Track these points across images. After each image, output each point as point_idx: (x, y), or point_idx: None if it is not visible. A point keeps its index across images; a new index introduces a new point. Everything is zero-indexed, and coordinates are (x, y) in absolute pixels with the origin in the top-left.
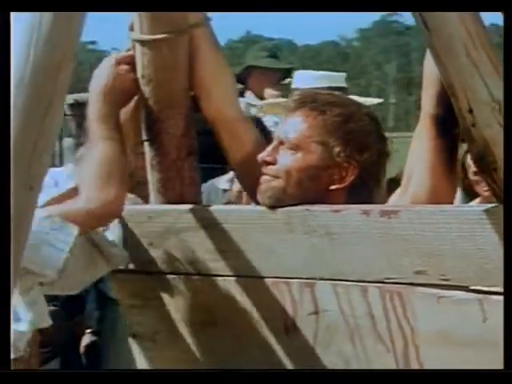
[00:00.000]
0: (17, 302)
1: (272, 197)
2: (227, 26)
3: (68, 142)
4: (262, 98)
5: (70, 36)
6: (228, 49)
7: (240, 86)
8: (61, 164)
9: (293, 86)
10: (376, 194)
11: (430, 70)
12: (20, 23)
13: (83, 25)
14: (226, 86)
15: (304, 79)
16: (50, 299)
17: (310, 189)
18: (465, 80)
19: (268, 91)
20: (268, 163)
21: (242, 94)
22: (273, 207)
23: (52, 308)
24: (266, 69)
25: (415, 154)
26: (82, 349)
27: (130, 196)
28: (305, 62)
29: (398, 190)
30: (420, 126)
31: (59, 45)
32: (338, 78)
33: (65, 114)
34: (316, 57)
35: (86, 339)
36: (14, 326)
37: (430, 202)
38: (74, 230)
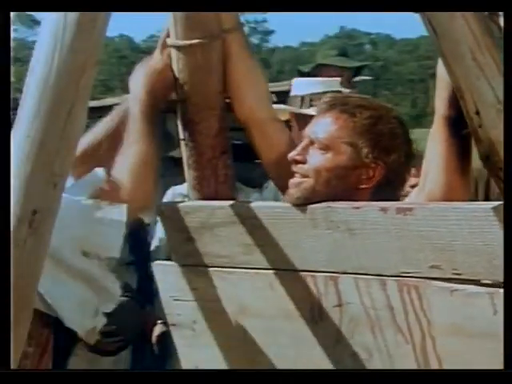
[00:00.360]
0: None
1: (301, 195)
2: (322, 21)
3: None
4: None
5: (92, 42)
6: (323, 44)
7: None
8: None
9: (291, 93)
10: (400, 193)
11: (442, 73)
12: (45, 29)
13: (105, 32)
14: (257, 88)
15: (301, 86)
16: (122, 290)
17: (338, 188)
18: (471, 83)
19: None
20: (298, 162)
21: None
22: (301, 204)
23: (123, 298)
24: (336, 67)
25: (431, 153)
26: (153, 339)
27: None
28: (403, 55)
29: (416, 188)
30: (434, 126)
31: (82, 51)
32: (333, 83)
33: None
34: (414, 51)
35: (158, 329)
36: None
37: (445, 199)
38: (123, 208)
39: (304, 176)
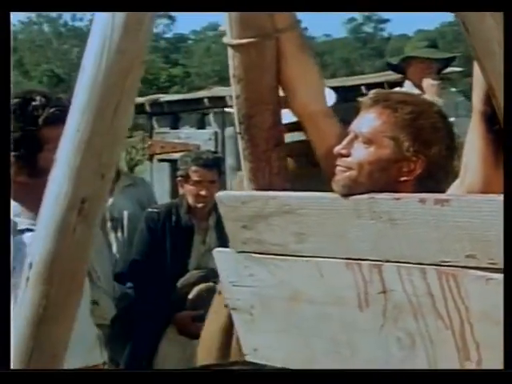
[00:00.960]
0: None
1: (345, 186)
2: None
3: (229, 130)
4: (420, 87)
5: (139, 44)
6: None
7: (399, 75)
8: (223, 150)
9: None
10: (445, 186)
11: (477, 70)
12: (95, 30)
13: (151, 34)
14: (311, 84)
15: None
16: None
17: (380, 180)
18: (501, 80)
19: (427, 81)
20: (343, 155)
21: (400, 84)
22: (345, 195)
23: (210, 284)
24: (425, 59)
25: (470, 147)
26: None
27: None
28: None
29: (457, 180)
30: (472, 122)
31: (128, 53)
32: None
33: (226, 106)
34: None
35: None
36: None
37: (483, 191)
38: None
39: (348, 168)
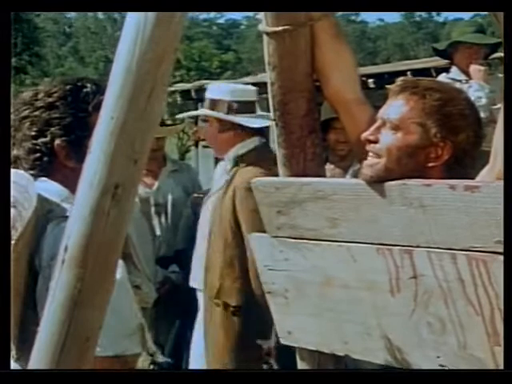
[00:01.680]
0: None
1: (374, 172)
2: None
3: None
4: (467, 73)
5: (170, 35)
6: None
7: (446, 61)
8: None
9: (206, 96)
10: (472, 172)
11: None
12: (129, 21)
13: (183, 23)
14: (344, 71)
15: (215, 91)
16: None
17: (408, 166)
18: None
19: (474, 67)
20: (371, 142)
21: (447, 70)
22: (375, 182)
23: None
24: (472, 44)
25: (500, 133)
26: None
27: None
28: None
29: (487, 166)
30: (503, 107)
31: (160, 42)
32: (246, 93)
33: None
34: None
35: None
36: None
37: None
38: None
39: (376, 155)
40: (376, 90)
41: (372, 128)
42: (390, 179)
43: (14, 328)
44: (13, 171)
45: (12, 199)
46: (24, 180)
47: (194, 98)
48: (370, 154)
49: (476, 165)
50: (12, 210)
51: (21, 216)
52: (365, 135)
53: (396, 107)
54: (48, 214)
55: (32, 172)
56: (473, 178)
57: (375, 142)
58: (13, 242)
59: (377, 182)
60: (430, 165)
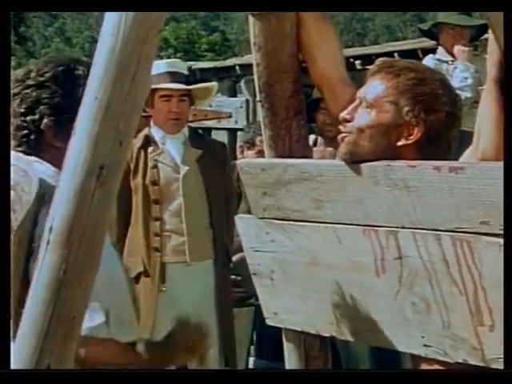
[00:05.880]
0: None
1: (347, 151)
2: None
3: None
4: (452, 54)
5: (154, 14)
6: None
7: (433, 42)
8: (254, 118)
9: None
10: (447, 152)
11: (492, 39)
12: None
13: None
14: (329, 52)
15: None
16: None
17: (380, 143)
18: None
19: (457, 47)
20: (347, 121)
21: (434, 51)
22: (351, 160)
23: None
24: (456, 25)
25: (483, 114)
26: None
27: None
28: None
29: (471, 147)
30: (485, 88)
31: (144, 23)
32: (175, 64)
33: None
34: None
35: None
36: None
37: (498, 158)
38: None
39: (349, 133)
40: (363, 71)
41: (349, 107)
42: (363, 156)
43: (17, 308)
44: (13, 154)
45: (12, 182)
46: (24, 163)
47: None
48: (343, 133)
49: (453, 146)
50: (12, 193)
51: (21, 199)
52: (342, 115)
53: (372, 87)
54: (43, 198)
55: (19, 149)
56: (449, 159)
57: (351, 121)
58: (16, 225)
59: (352, 160)
60: (403, 143)
